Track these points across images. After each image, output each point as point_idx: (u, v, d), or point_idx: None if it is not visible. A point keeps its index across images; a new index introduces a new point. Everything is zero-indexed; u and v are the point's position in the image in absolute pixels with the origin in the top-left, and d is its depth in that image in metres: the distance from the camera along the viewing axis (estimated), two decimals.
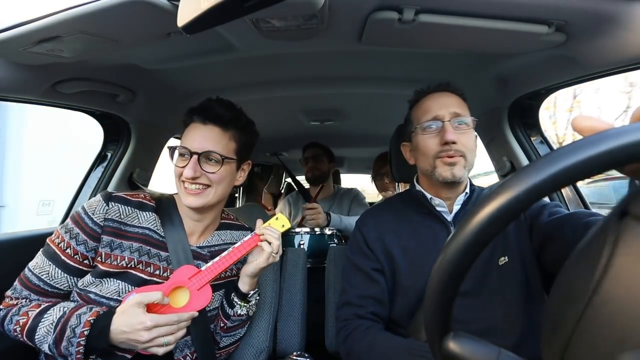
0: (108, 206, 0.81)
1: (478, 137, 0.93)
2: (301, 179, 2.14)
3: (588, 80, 1.00)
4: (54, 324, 0.72)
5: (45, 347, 0.72)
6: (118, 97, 1.20)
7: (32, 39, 0.75)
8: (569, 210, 0.86)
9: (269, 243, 0.83)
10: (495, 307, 0.79)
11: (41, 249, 0.82)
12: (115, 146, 1.42)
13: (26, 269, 0.80)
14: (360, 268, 0.91)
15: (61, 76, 0.98)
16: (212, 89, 1.43)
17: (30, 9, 0.71)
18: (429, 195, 0.91)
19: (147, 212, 0.86)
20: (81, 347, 0.69)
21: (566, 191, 1.30)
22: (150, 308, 0.74)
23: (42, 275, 0.78)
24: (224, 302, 0.90)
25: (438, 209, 0.90)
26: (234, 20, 0.52)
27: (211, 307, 0.90)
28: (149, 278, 0.82)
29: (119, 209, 0.82)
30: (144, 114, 1.37)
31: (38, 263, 0.79)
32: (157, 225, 0.85)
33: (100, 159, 1.44)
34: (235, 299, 0.87)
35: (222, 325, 0.90)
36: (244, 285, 0.87)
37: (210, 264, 0.82)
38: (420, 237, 0.88)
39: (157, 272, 0.83)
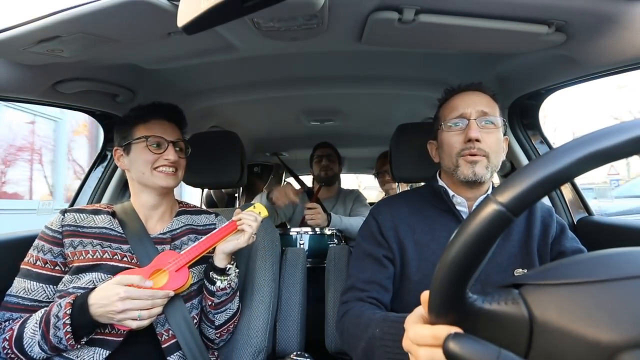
0: (64, 216, 0.90)
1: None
2: (303, 179, 2.14)
3: (588, 80, 1.00)
4: (38, 322, 0.75)
5: (36, 349, 0.74)
6: (118, 97, 1.20)
7: (32, 39, 0.75)
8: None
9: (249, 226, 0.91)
10: None
11: (16, 277, 0.86)
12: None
13: (5, 296, 0.83)
14: (371, 254, 0.89)
15: (61, 76, 0.98)
16: (212, 89, 1.43)
17: (30, 9, 0.71)
18: (451, 192, 0.89)
19: (102, 215, 0.93)
20: (68, 327, 0.73)
21: (567, 193, 1.30)
22: None
23: (19, 293, 0.82)
24: (205, 282, 0.94)
25: (458, 207, 0.88)
26: (234, 20, 0.52)
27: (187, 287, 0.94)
28: (122, 265, 0.86)
29: (73, 217, 0.91)
30: None
31: (15, 285, 0.84)
32: (113, 225, 0.92)
33: (100, 159, 1.44)
34: (215, 275, 0.92)
35: (209, 303, 0.93)
36: (220, 261, 0.92)
37: (188, 247, 0.89)
38: (434, 233, 0.87)
39: (125, 259, 0.88)
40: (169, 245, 0.94)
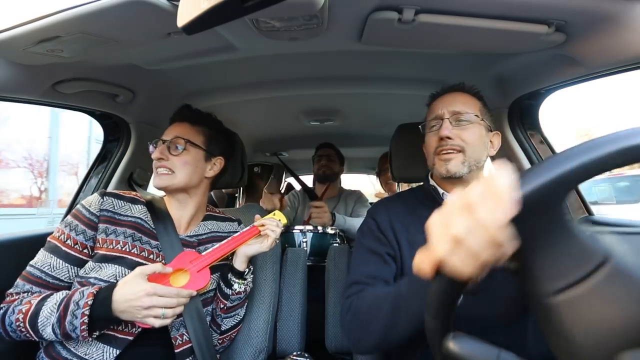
0: (103, 199, 0.90)
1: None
2: (303, 178, 2.15)
3: (588, 80, 0.99)
4: (57, 304, 0.75)
5: (48, 330, 0.73)
6: (118, 97, 1.20)
7: (32, 39, 0.75)
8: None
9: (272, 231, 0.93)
10: (497, 306, 0.79)
11: (41, 248, 0.85)
12: (115, 146, 1.42)
13: (28, 266, 0.83)
14: (374, 251, 0.89)
15: (61, 76, 0.98)
16: (212, 89, 1.43)
17: (30, 9, 0.71)
18: (441, 191, 0.91)
19: (138, 205, 0.94)
20: (85, 317, 0.72)
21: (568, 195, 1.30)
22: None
23: (44, 267, 0.82)
24: (222, 284, 0.94)
25: None
26: (234, 20, 0.52)
27: (207, 289, 0.95)
28: (143, 261, 0.86)
29: (112, 202, 0.91)
30: (144, 114, 1.37)
31: (40, 258, 0.83)
32: (147, 217, 0.93)
33: (100, 159, 1.44)
34: (233, 278, 0.93)
35: (222, 306, 0.94)
36: (241, 264, 0.94)
37: (210, 249, 0.89)
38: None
39: (151, 256, 0.88)
40: (193, 249, 0.94)
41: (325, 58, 1.17)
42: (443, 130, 0.85)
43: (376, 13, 0.77)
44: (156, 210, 0.95)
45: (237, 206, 2.17)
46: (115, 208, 0.90)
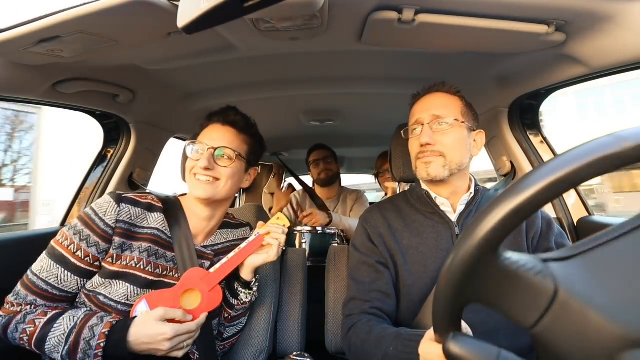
0: (119, 207, 0.82)
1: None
2: (302, 179, 2.14)
3: (588, 80, 0.99)
4: (66, 335, 0.72)
5: (56, 357, 0.72)
6: (118, 97, 1.20)
7: (32, 39, 0.75)
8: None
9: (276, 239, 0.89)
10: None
11: (45, 252, 0.80)
12: (115, 146, 1.42)
13: (30, 273, 0.78)
14: (365, 262, 0.91)
15: (61, 76, 0.98)
16: (212, 89, 1.43)
17: (30, 9, 0.71)
18: (433, 194, 0.91)
19: (155, 213, 0.88)
20: (99, 359, 0.71)
21: (567, 193, 1.30)
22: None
23: (49, 279, 0.77)
24: (227, 294, 0.92)
25: (442, 208, 0.90)
26: (234, 20, 0.52)
27: None
28: (156, 279, 0.83)
29: (129, 211, 0.83)
30: (144, 114, 1.37)
31: (44, 267, 0.78)
32: (165, 226, 0.88)
33: (100, 159, 1.44)
34: (240, 288, 0.91)
35: (226, 316, 0.93)
36: (247, 274, 0.90)
37: (218, 265, 0.85)
38: (422, 236, 0.88)
39: (165, 272, 0.85)
40: (209, 262, 0.91)
41: (325, 58, 1.17)
42: (423, 137, 0.85)
43: (376, 13, 0.77)
44: (175, 217, 0.89)
45: (237, 206, 2.18)
46: (133, 218, 0.83)
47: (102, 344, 0.70)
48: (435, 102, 0.89)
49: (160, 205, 0.90)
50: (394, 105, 1.70)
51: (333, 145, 2.14)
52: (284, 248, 0.94)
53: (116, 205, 0.82)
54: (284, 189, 2.04)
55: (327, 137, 2.15)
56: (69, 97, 1.07)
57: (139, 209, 0.85)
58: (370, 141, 2.36)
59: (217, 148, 0.87)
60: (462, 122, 0.87)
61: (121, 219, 0.81)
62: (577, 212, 1.28)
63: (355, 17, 0.81)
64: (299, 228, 1.65)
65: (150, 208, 0.88)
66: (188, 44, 0.92)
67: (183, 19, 0.51)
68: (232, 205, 2.67)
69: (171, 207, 0.91)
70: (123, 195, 0.85)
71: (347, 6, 0.76)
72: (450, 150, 0.85)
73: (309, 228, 1.63)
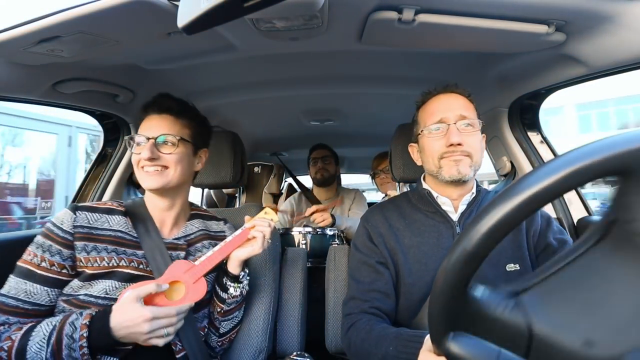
0: (76, 215, 0.84)
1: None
2: (302, 179, 2.14)
3: (588, 80, 1.00)
4: (46, 338, 0.71)
5: None
6: (118, 97, 1.20)
7: (32, 39, 0.75)
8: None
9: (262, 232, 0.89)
10: None
11: (11, 274, 0.79)
12: (115, 146, 1.42)
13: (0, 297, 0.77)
14: (365, 262, 0.91)
15: (61, 76, 0.98)
16: (212, 89, 1.43)
17: (30, 9, 0.71)
18: (435, 194, 0.91)
19: (116, 216, 0.88)
20: (85, 349, 0.70)
21: (569, 195, 1.30)
22: (148, 302, 0.76)
23: (19, 295, 0.76)
24: (217, 288, 0.92)
25: (444, 207, 0.90)
26: (234, 20, 0.52)
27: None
28: (137, 273, 0.83)
29: (87, 217, 0.85)
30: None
31: (12, 286, 0.77)
32: (128, 227, 0.88)
33: (100, 158, 1.44)
34: (228, 282, 0.91)
35: (219, 310, 0.92)
36: (235, 268, 0.90)
37: (203, 258, 0.86)
38: (424, 236, 0.89)
39: (142, 266, 0.85)
40: (183, 252, 0.91)
41: (325, 58, 1.17)
42: (455, 137, 0.83)
43: (376, 13, 0.77)
44: (138, 216, 0.90)
45: (237, 206, 2.17)
46: (91, 222, 0.84)
47: (85, 334, 0.70)
48: (458, 102, 0.88)
49: (121, 209, 0.91)
50: (393, 105, 1.71)
51: (333, 145, 2.14)
52: (269, 240, 0.93)
53: (72, 214, 0.84)
54: (283, 189, 2.03)
55: (327, 137, 2.15)
56: (69, 97, 1.07)
57: (97, 214, 0.87)
58: (370, 141, 2.36)
59: (157, 137, 0.87)
60: (479, 125, 0.87)
61: (79, 224, 0.83)
62: (577, 212, 1.28)
63: (355, 17, 0.81)
64: (299, 229, 1.64)
65: (110, 212, 0.89)
66: (188, 44, 0.92)
67: (183, 19, 0.51)
68: (232, 205, 2.68)
69: (133, 208, 0.92)
70: (80, 205, 0.88)
71: (347, 6, 0.76)
72: (475, 151, 0.85)
73: (310, 229, 1.63)
